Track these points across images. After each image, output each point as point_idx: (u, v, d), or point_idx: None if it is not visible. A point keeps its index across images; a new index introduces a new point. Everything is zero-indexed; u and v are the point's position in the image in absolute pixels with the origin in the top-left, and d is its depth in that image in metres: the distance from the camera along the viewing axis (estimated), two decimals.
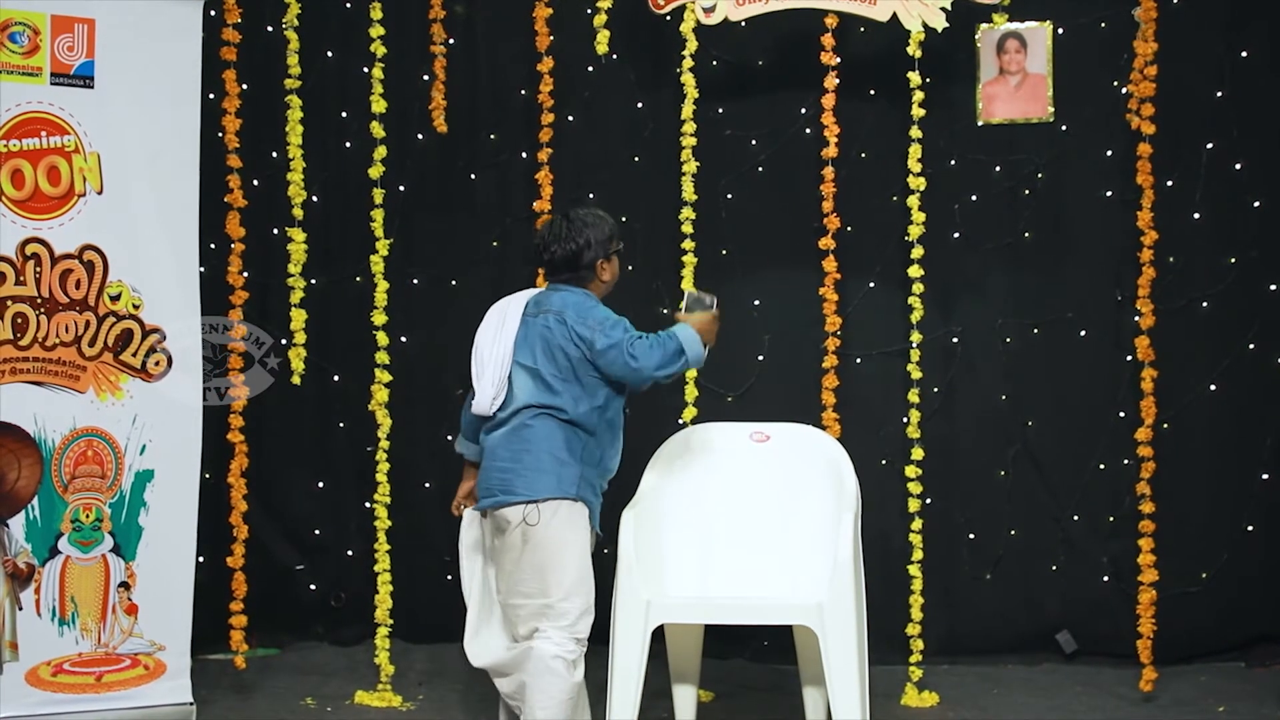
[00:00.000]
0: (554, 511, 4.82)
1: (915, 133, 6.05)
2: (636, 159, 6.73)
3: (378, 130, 6.18)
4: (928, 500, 6.24)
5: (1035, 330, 6.58)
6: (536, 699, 4.77)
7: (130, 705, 5.64)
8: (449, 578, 6.78)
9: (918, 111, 6.04)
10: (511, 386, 4.95)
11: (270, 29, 6.51)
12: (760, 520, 5.47)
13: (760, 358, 6.64)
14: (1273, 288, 6.39)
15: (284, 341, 6.25)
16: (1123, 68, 6.27)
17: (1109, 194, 6.48)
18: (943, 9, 5.91)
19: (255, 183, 6.44)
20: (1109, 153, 6.46)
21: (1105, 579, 6.53)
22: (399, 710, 6.07)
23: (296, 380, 6.27)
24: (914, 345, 6.15)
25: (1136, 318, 6.10)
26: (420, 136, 6.74)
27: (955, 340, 6.59)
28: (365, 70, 6.29)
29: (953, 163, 6.53)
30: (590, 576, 4.89)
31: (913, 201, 6.08)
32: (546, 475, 4.84)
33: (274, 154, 6.48)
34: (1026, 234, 6.56)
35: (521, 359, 4.93)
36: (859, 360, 6.54)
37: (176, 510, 5.70)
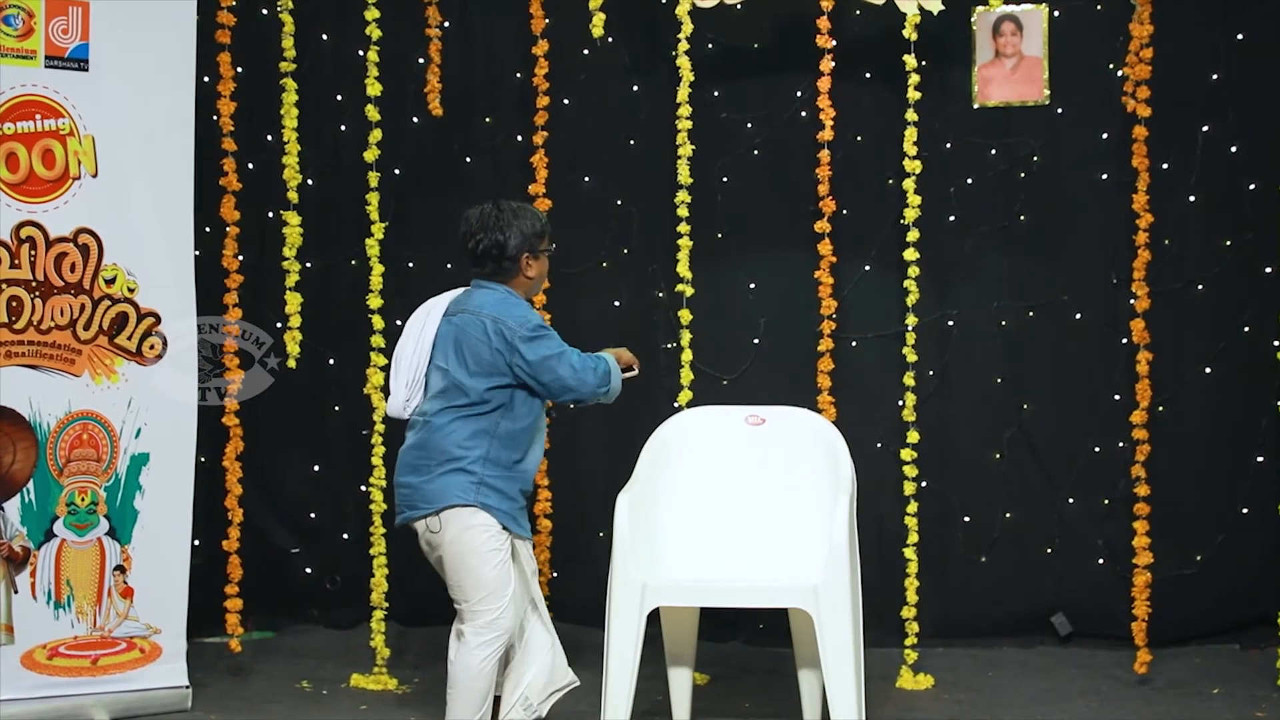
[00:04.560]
0: (453, 519, 4.72)
1: (911, 116, 6.05)
2: (632, 142, 6.72)
3: (373, 113, 6.17)
4: (923, 483, 6.25)
5: (1031, 313, 6.59)
6: (461, 700, 4.73)
7: (126, 688, 5.66)
8: None
9: (913, 94, 6.04)
10: (426, 388, 4.85)
11: (265, 12, 6.49)
12: (756, 503, 5.48)
13: (756, 341, 6.64)
14: (1268, 270, 6.39)
15: (279, 325, 6.25)
16: (1118, 50, 6.27)
17: (1104, 177, 6.48)
18: None
19: (250, 166, 6.43)
20: (1104, 135, 6.45)
21: (1100, 561, 6.54)
22: (394, 693, 6.08)
23: (292, 364, 6.26)
24: (909, 328, 6.15)
25: (1132, 300, 6.10)
26: (415, 120, 6.73)
27: (951, 323, 6.59)
28: (360, 53, 6.28)
29: (948, 146, 6.53)
30: (504, 578, 4.72)
31: (908, 184, 6.08)
32: (443, 484, 4.71)
33: (269, 137, 6.48)
34: (1022, 217, 6.56)
35: (437, 360, 4.81)
36: (854, 343, 6.55)
37: (172, 493, 5.71)
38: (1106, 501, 6.54)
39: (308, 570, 6.94)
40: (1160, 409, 6.28)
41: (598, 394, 4.80)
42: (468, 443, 4.71)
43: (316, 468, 6.93)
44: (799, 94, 6.54)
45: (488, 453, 4.73)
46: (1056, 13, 6.41)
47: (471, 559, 4.71)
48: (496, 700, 4.88)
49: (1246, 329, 6.44)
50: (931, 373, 6.53)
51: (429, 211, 6.79)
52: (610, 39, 6.43)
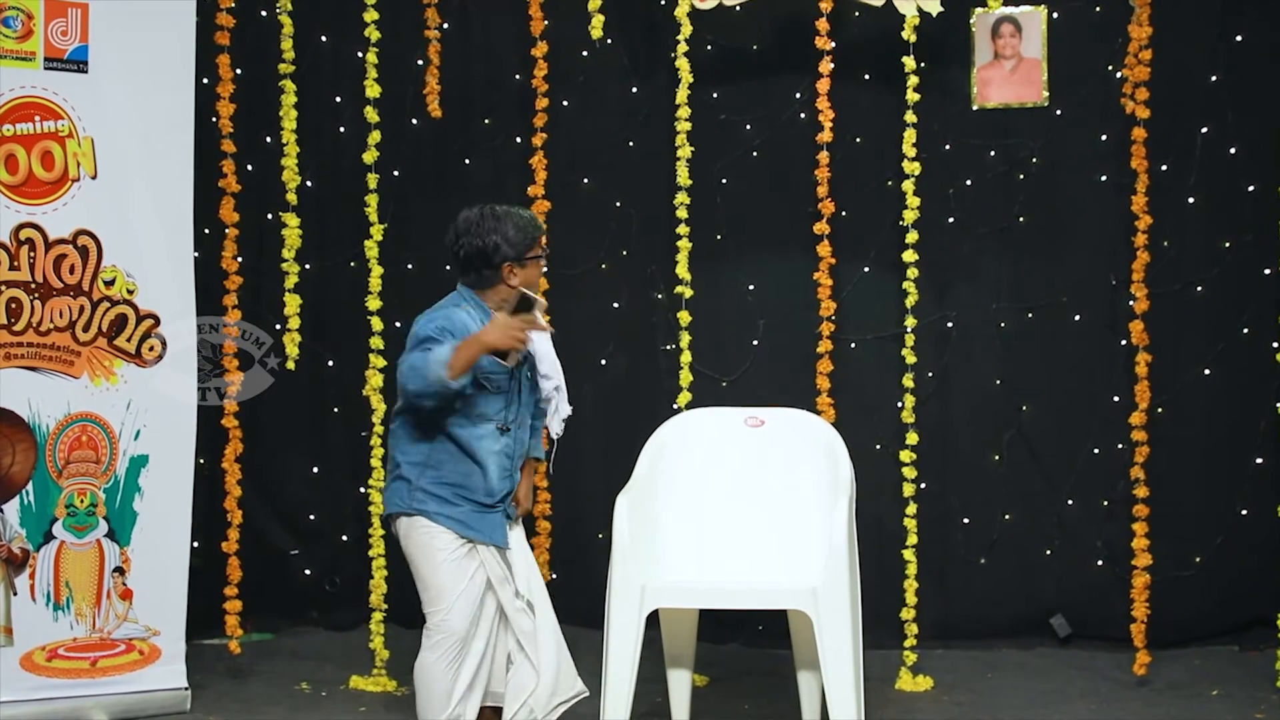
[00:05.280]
0: (399, 526, 4.77)
1: (910, 117, 6.05)
2: (631, 143, 6.72)
3: (372, 115, 6.17)
4: (922, 484, 6.25)
5: (1030, 314, 6.59)
6: (418, 701, 4.75)
7: (125, 690, 5.66)
8: None
9: (912, 96, 6.04)
10: None
11: (264, 13, 6.49)
12: (755, 505, 5.47)
13: (755, 342, 6.64)
14: (1267, 272, 6.39)
15: (278, 327, 6.24)
16: (1117, 52, 6.27)
17: (1103, 178, 6.48)
18: None
19: (249, 168, 6.42)
20: (1103, 137, 6.46)
21: (1099, 563, 6.54)
22: (393, 695, 6.07)
23: (291, 365, 6.26)
24: (908, 330, 6.15)
25: (1131, 302, 6.10)
26: (414, 121, 6.73)
27: (950, 325, 6.59)
28: (359, 55, 6.28)
29: (947, 147, 6.53)
30: (449, 581, 4.70)
31: (907, 186, 6.08)
32: (389, 491, 4.78)
33: (268, 139, 6.48)
34: (1021, 218, 6.56)
35: None
36: (853, 345, 6.55)
37: (171, 495, 5.71)
38: (1106, 503, 6.54)
39: (307, 572, 6.95)
40: (1159, 410, 6.28)
41: (425, 391, 4.50)
42: (408, 449, 4.73)
43: (316, 469, 6.93)
44: (798, 95, 6.53)
45: (427, 458, 4.70)
46: (1055, 14, 6.41)
47: (418, 560, 4.75)
48: (496, 711, 4.87)
49: (1245, 330, 6.45)
50: (930, 374, 6.53)
51: (428, 213, 6.78)
52: (609, 40, 6.43)
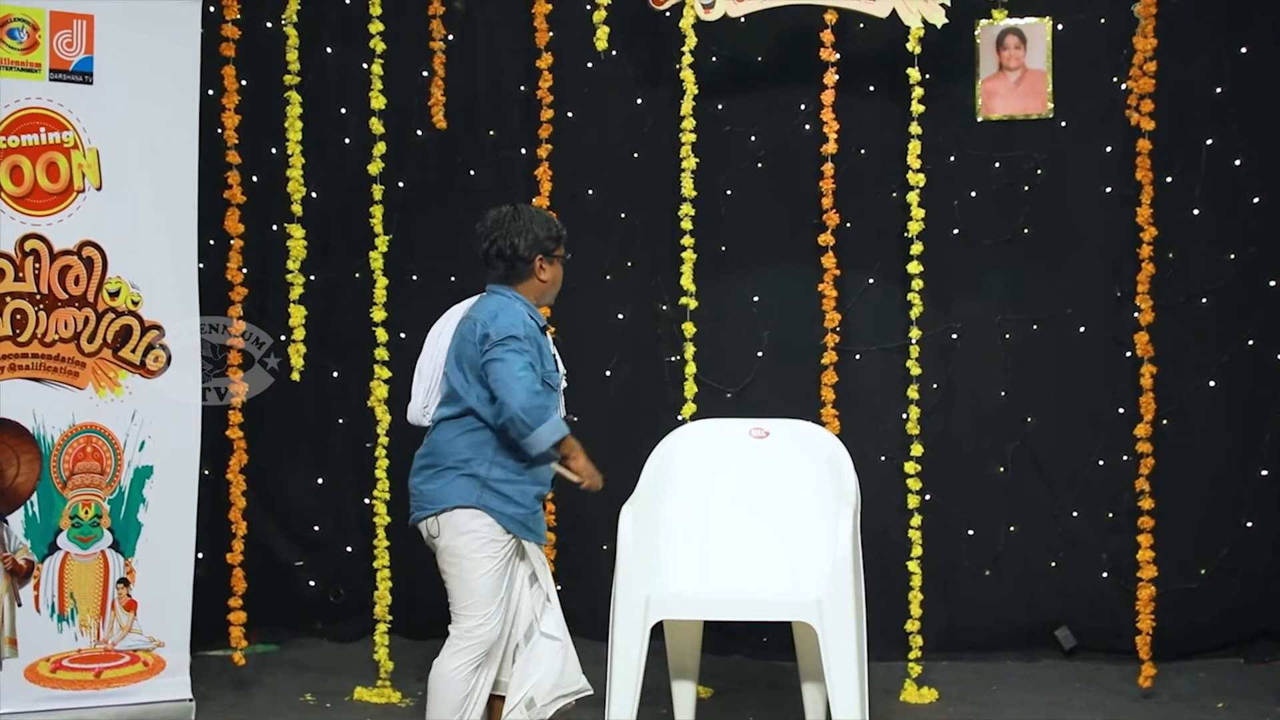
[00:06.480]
0: (449, 523, 4.72)
1: (915, 129, 6.05)
2: (636, 155, 6.73)
3: (377, 126, 6.17)
4: (927, 496, 6.24)
5: (1035, 326, 6.58)
6: (433, 703, 4.73)
7: (129, 701, 5.65)
8: None
9: (917, 108, 6.04)
10: (440, 395, 4.88)
11: (269, 25, 6.51)
12: (760, 516, 5.47)
13: (760, 354, 6.64)
14: (1272, 284, 6.39)
15: (283, 338, 6.25)
16: (1122, 64, 6.28)
17: (1108, 190, 6.48)
18: (942, 4, 5.92)
19: (254, 179, 6.43)
20: (1108, 149, 6.46)
21: (1104, 575, 6.54)
22: (398, 706, 6.07)
23: (296, 377, 6.26)
24: (913, 341, 6.15)
25: (1136, 314, 6.10)
26: (419, 133, 6.74)
27: (955, 336, 6.59)
28: (364, 66, 6.29)
29: (952, 159, 6.53)
30: (491, 589, 4.72)
31: (912, 198, 6.08)
32: (446, 487, 4.72)
33: (273, 150, 6.48)
34: (1026, 230, 6.56)
35: (447, 367, 4.83)
36: (858, 356, 6.54)
37: (176, 506, 5.70)
38: (1110, 515, 6.53)
39: (311, 583, 6.94)
40: (1164, 422, 6.27)
41: (522, 431, 4.59)
42: (471, 450, 4.72)
43: (320, 480, 6.93)
44: (803, 107, 6.54)
45: (494, 457, 4.71)
46: (1060, 26, 6.41)
47: (464, 564, 4.72)
48: (500, 700, 4.87)
49: (1250, 342, 6.44)
50: (935, 386, 6.52)
51: (433, 224, 6.80)
52: (614, 52, 6.44)
